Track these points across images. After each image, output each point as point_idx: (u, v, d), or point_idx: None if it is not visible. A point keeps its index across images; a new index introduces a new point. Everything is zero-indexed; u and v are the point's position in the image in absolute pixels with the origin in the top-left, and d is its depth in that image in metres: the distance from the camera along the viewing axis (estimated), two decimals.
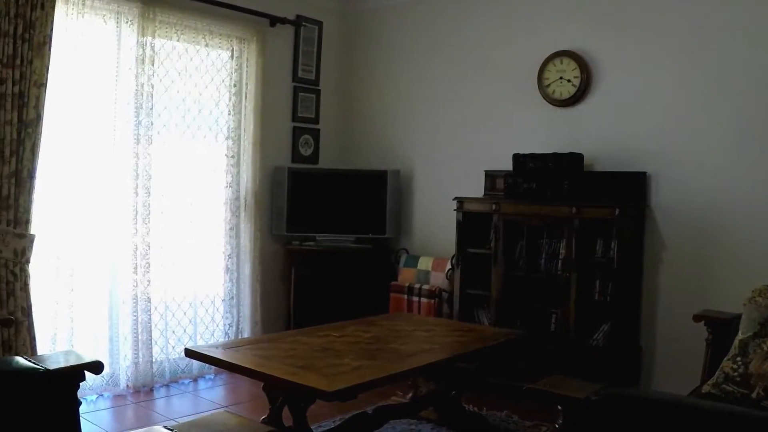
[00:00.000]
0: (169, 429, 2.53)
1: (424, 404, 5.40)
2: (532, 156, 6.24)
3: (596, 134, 6.32)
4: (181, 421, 5.50)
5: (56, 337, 5.80)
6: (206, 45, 6.86)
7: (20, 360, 3.02)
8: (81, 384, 3.16)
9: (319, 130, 8.05)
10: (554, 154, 6.15)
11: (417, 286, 7.09)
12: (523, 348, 5.88)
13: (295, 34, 7.72)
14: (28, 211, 5.42)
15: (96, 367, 3.21)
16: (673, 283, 5.97)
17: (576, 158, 6.11)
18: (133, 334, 6.30)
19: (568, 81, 6.45)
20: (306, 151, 7.91)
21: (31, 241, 5.45)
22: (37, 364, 2.96)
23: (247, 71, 7.18)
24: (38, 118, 5.42)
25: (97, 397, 6.04)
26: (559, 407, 3.18)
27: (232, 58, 7.12)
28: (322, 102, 8.05)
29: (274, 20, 7.35)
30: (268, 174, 7.45)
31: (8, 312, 5.26)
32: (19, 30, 5.30)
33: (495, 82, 7.03)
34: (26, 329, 5.43)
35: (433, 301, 6.94)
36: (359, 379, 3.94)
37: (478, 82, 7.16)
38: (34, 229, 5.48)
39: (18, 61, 5.31)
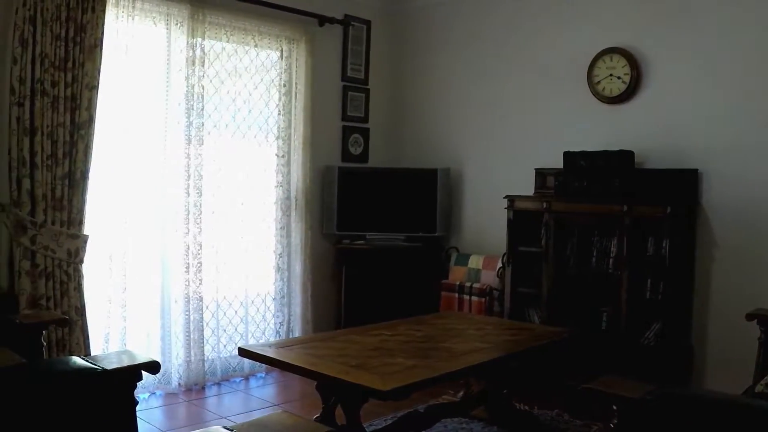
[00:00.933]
0: (228, 429, 2.54)
1: (475, 403, 5.39)
2: (583, 154, 6.19)
3: (647, 131, 6.25)
4: (233, 419, 5.57)
5: (109, 336, 5.87)
6: (255, 45, 6.91)
7: (78, 360, 3.04)
8: None
9: (368, 129, 8.06)
10: (605, 151, 6.10)
11: (467, 284, 7.08)
12: (574, 346, 5.85)
13: (344, 33, 7.74)
14: (81, 211, 5.51)
15: (153, 367, 3.23)
16: (725, 281, 5.88)
17: (626, 156, 6.05)
18: (185, 333, 6.37)
19: (618, 78, 6.39)
20: (356, 150, 7.93)
21: (85, 242, 5.53)
22: (95, 364, 2.99)
23: (296, 71, 7.21)
24: (90, 120, 5.50)
25: (150, 396, 6.11)
26: (614, 407, 3.17)
27: (282, 59, 7.16)
28: (371, 101, 8.07)
29: (322, 20, 7.37)
30: (318, 173, 7.47)
31: (62, 312, 5.35)
32: (71, 33, 5.39)
33: (545, 80, 6.98)
34: (80, 329, 5.52)
35: (483, 299, 6.92)
36: (413, 378, 3.93)
37: (528, 79, 7.12)
38: (87, 229, 5.57)
39: (70, 64, 5.40)
